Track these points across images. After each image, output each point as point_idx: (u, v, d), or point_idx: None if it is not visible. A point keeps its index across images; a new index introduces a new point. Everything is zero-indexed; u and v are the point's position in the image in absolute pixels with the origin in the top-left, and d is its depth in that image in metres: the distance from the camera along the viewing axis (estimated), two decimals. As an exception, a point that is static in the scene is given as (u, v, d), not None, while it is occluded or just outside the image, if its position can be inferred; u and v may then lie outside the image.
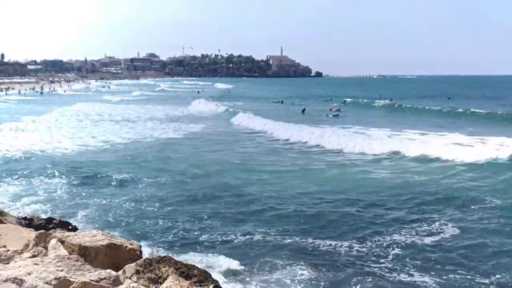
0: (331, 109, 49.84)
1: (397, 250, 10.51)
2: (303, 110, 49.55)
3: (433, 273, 9.36)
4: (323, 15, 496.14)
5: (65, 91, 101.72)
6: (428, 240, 11.14)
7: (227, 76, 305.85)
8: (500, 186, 15.73)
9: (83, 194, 14.98)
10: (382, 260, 9.96)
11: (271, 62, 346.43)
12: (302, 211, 13.39)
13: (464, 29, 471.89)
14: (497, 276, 9.20)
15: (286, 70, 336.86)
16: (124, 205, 13.77)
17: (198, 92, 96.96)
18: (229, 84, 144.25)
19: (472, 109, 44.71)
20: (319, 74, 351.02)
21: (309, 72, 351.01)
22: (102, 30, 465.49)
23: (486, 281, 9.00)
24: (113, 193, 15.12)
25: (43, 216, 10.41)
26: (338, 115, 45.62)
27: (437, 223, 12.20)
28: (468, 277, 9.18)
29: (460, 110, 45.28)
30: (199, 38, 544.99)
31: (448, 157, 20.11)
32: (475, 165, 18.71)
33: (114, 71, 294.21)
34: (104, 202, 14.04)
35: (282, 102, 62.26)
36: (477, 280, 9.02)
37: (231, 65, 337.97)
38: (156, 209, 13.37)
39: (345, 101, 58.17)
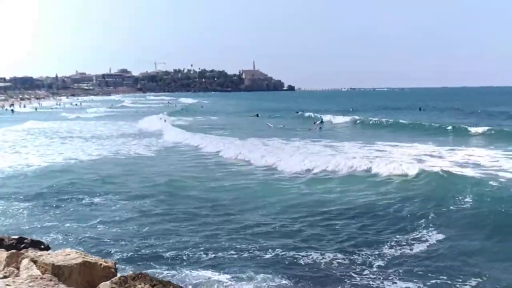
0: (315, 122, 52.24)
1: (380, 261, 10.66)
2: (257, 115, 60.38)
3: (416, 280, 9.55)
4: (295, 29, 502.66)
5: (22, 106, 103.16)
6: (409, 248, 11.38)
7: (200, 91, 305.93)
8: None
9: (55, 213, 14.70)
10: (366, 272, 10.08)
11: (243, 76, 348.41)
12: (275, 223, 13.47)
13: (433, 42, 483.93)
14: (479, 280, 9.48)
15: (259, 84, 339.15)
16: (97, 222, 13.58)
17: (167, 105, 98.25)
18: (196, 99, 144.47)
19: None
20: (291, 88, 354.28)
21: (282, 86, 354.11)
22: (74, 46, 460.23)
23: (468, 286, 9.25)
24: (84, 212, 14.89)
25: (14, 236, 10.17)
26: (321, 128, 48.14)
27: (416, 232, 12.46)
28: (449, 282, 9.42)
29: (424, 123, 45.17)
30: (172, 53, 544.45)
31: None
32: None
33: (86, 88, 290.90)
34: (76, 220, 13.80)
35: (258, 116, 62.23)
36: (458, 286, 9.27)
37: (204, 79, 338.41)
38: (130, 227, 13.25)
39: (322, 121, 58.43)
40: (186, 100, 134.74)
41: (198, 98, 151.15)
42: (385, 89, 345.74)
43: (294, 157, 23.43)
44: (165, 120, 53.64)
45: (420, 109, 73.48)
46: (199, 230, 12.89)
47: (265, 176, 20.69)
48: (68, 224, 13.43)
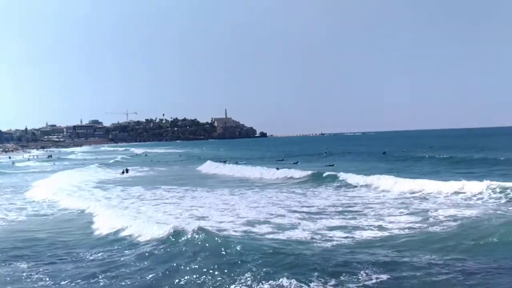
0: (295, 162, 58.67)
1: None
2: (224, 162, 60.37)
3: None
4: (267, 77, 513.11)
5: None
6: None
7: (172, 139, 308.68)
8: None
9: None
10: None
11: (216, 124, 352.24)
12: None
13: (402, 86, 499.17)
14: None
15: (231, 132, 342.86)
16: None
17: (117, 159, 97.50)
18: (148, 148, 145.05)
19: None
20: (263, 134, 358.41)
21: (254, 133, 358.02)
22: (43, 99, 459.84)
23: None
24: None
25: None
26: (298, 162, 57.78)
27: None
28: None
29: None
30: (143, 103, 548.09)
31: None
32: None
33: (56, 139, 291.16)
34: None
35: (225, 162, 62.57)
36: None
37: (176, 128, 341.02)
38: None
39: (297, 162, 60.54)
40: (137, 150, 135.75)
41: (167, 147, 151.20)
42: (358, 133, 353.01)
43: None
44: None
45: (384, 153, 71.47)
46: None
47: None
48: None
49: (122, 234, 16.64)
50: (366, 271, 11.19)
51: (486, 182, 23.59)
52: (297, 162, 59.58)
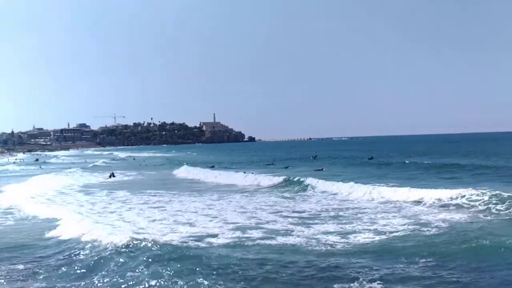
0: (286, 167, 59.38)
1: None
2: (212, 166, 62.67)
3: None
4: (255, 83, 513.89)
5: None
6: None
7: (160, 143, 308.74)
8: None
9: None
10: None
11: (204, 128, 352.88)
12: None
13: (388, 93, 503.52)
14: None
15: (219, 136, 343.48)
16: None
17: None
18: (133, 152, 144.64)
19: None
20: (252, 139, 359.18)
21: (242, 137, 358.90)
22: (31, 102, 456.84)
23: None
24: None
25: None
26: (288, 166, 58.98)
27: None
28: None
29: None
30: (131, 107, 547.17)
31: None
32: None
33: (43, 143, 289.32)
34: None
35: (213, 167, 62.88)
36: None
37: (164, 132, 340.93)
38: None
39: (288, 166, 60.94)
40: (121, 154, 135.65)
41: (155, 151, 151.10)
42: (344, 138, 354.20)
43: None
44: None
45: (371, 158, 71.54)
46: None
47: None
48: None
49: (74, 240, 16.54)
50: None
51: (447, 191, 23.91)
52: (288, 166, 60.11)
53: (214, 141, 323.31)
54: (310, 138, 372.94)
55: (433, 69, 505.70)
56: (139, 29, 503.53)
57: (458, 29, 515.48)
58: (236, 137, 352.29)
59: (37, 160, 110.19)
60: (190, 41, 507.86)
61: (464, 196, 22.75)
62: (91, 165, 77.95)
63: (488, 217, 19.17)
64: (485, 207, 20.94)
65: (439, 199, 23.43)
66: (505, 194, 21.34)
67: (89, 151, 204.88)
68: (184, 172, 55.23)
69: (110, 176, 49.91)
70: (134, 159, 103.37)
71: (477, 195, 22.38)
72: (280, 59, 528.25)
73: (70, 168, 68.50)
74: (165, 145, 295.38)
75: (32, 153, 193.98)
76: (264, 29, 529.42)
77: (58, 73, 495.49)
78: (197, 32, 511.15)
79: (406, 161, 57.12)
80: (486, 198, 21.70)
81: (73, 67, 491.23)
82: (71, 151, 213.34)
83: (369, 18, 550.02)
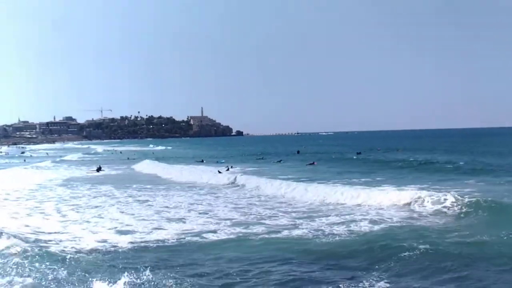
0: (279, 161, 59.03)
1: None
2: (202, 160, 62.34)
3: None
4: (243, 77, 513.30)
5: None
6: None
7: (147, 137, 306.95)
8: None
9: None
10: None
11: (192, 122, 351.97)
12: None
13: (371, 90, 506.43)
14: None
15: (207, 130, 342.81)
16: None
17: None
18: (122, 145, 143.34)
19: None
20: (239, 133, 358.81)
21: (230, 131, 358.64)
22: (15, 95, 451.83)
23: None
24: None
25: None
26: (281, 160, 58.81)
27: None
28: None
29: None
30: (118, 101, 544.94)
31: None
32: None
33: (29, 136, 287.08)
34: None
35: (203, 161, 61.99)
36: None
37: (151, 126, 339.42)
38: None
39: (280, 160, 60.77)
40: (106, 147, 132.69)
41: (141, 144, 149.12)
42: (330, 133, 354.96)
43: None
44: None
45: (359, 153, 71.34)
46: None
47: None
48: None
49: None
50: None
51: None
52: (281, 160, 59.45)
53: (202, 135, 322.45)
54: (298, 133, 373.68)
55: (418, 65, 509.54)
56: (126, 22, 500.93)
57: (441, 24, 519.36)
58: (224, 131, 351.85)
59: (23, 153, 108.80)
60: (178, 35, 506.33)
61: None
62: (58, 159, 74.39)
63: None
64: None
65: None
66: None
67: (70, 144, 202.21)
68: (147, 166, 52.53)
69: (97, 170, 49.66)
70: (121, 152, 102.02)
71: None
72: (269, 54, 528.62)
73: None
74: (150, 138, 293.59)
75: (18, 146, 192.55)
76: (252, 24, 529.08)
77: (44, 66, 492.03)
78: (184, 26, 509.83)
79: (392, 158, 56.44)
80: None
81: (59, 60, 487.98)
82: (57, 144, 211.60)
83: (355, 14, 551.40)
